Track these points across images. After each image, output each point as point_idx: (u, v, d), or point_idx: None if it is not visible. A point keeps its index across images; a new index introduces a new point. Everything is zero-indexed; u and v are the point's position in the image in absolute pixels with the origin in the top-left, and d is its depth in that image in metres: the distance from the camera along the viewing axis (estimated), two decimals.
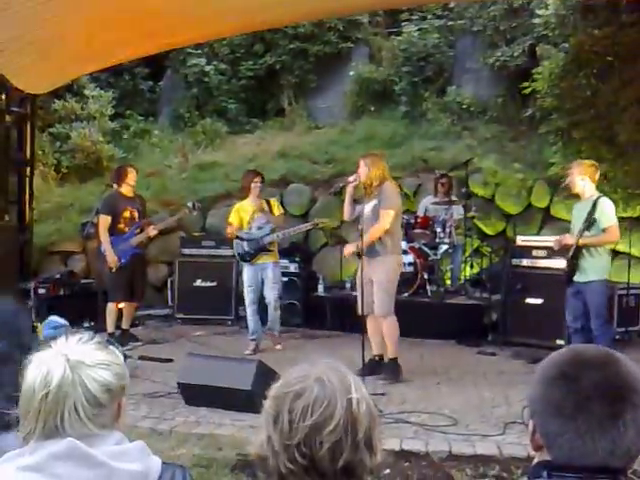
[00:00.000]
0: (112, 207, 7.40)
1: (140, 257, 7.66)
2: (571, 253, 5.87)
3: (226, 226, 7.59)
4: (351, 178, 6.26)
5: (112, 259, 7.27)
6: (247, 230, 7.34)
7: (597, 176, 5.97)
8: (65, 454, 1.49)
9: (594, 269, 5.82)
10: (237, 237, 7.34)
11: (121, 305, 7.43)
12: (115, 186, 7.61)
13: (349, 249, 6.41)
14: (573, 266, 5.88)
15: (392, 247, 6.09)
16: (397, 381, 6.00)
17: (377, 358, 6.19)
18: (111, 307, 7.39)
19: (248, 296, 7.35)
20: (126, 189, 7.51)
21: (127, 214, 7.46)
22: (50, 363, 1.54)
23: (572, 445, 1.27)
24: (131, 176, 7.50)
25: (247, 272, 7.37)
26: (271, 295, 7.29)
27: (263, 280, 7.32)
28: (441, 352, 7.29)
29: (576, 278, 5.90)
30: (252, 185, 7.36)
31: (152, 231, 7.58)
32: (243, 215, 7.39)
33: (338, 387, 1.34)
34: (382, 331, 6.08)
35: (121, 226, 7.43)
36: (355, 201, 6.40)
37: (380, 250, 6.04)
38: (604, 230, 5.78)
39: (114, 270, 7.29)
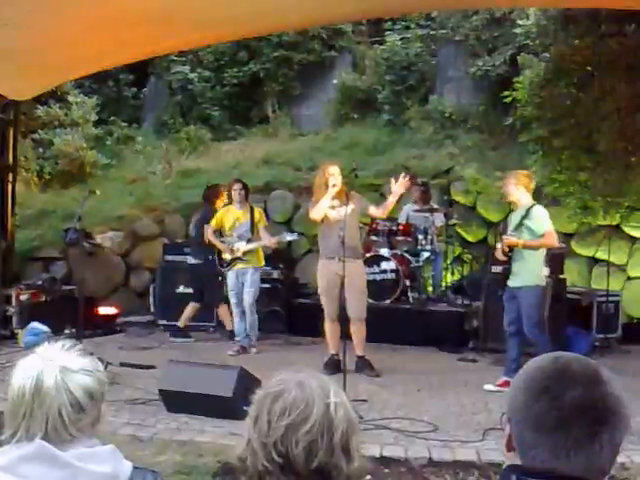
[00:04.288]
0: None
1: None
2: (504, 258, 5.97)
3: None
4: (337, 183, 6.37)
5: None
6: (229, 236, 7.43)
7: (532, 186, 6.06)
8: (33, 456, 1.53)
9: (526, 275, 5.91)
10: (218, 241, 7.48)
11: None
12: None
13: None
14: (506, 271, 5.99)
15: (360, 251, 6.46)
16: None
17: (336, 357, 6.38)
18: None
19: (231, 300, 7.52)
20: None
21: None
22: (38, 369, 1.58)
23: (545, 458, 1.26)
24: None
25: (229, 277, 7.52)
26: (246, 300, 7.39)
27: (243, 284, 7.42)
28: (422, 359, 7.33)
29: (510, 283, 6.00)
30: (232, 192, 7.55)
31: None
32: (225, 221, 7.50)
33: (317, 391, 1.38)
34: (354, 332, 6.32)
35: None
36: None
37: (357, 254, 6.35)
38: (542, 236, 5.88)
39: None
